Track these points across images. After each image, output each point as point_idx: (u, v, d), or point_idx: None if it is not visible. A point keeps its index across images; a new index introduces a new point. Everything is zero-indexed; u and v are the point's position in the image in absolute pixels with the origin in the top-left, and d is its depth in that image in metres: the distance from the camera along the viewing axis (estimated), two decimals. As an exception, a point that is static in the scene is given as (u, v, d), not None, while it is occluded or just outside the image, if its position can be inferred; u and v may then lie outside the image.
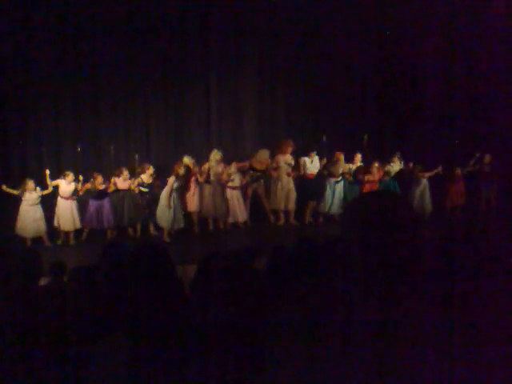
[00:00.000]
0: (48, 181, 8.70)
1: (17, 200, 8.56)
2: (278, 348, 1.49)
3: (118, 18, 9.58)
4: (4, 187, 8.50)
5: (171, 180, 8.91)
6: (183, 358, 2.07)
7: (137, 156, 9.37)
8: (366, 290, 1.43)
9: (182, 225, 9.11)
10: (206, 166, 9.41)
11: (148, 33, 9.81)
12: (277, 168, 9.77)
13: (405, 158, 10.18)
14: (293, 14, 10.37)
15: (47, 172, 8.70)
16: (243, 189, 9.78)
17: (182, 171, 8.97)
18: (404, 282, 1.43)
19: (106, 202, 9.02)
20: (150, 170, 9.22)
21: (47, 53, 9.37)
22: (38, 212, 8.60)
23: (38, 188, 8.59)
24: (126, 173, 9.12)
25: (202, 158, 9.57)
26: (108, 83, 9.91)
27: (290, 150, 9.79)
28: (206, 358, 2.09)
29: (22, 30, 9.16)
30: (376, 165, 9.88)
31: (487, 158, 10.25)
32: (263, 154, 9.87)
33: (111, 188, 9.08)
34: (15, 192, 8.51)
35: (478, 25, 10.55)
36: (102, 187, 8.98)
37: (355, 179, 9.98)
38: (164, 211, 8.90)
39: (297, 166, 9.90)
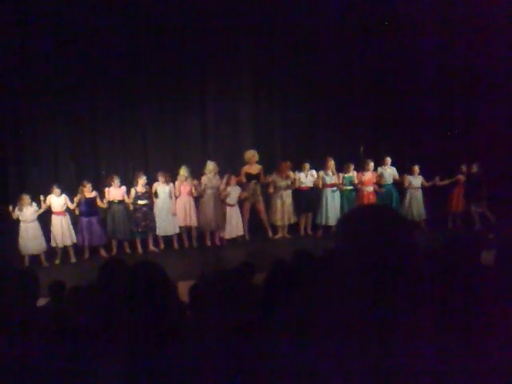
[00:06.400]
0: (42, 204, 8.77)
1: (15, 221, 8.59)
2: (276, 361, 1.50)
3: (114, 32, 9.56)
4: (9, 208, 8.52)
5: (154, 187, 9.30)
6: (181, 375, 2.07)
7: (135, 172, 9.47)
8: (361, 301, 1.44)
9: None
10: (204, 179, 9.40)
11: (144, 44, 9.80)
12: (275, 187, 9.70)
13: (401, 169, 10.17)
14: (288, 24, 10.25)
15: (41, 198, 8.77)
16: (240, 204, 9.77)
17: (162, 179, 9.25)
18: (399, 294, 1.44)
19: (94, 219, 9.01)
20: (143, 180, 9.21)
21: (43, 67, 9.42)
22: (36, 229, 8.65)
23: (33, 203, 8.63)
24: (117, 181, 9.12)
25: (199, 170, 9.59)
26: (104, 94, 9.96)
27: (287, 171, 9.73)
28: (203, 374, 2.09)
29: (18, 45, 9.22)
30: (371, 163, 9.89)
31: (474, 168, 9.71)
32: (248, 153, 9.79)
33: (103, 203, 9.06)
34: (15, 215, 8.53)
35: (478, 25, 10.28)
36: (91, 195, 8.96)
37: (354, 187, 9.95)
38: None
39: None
